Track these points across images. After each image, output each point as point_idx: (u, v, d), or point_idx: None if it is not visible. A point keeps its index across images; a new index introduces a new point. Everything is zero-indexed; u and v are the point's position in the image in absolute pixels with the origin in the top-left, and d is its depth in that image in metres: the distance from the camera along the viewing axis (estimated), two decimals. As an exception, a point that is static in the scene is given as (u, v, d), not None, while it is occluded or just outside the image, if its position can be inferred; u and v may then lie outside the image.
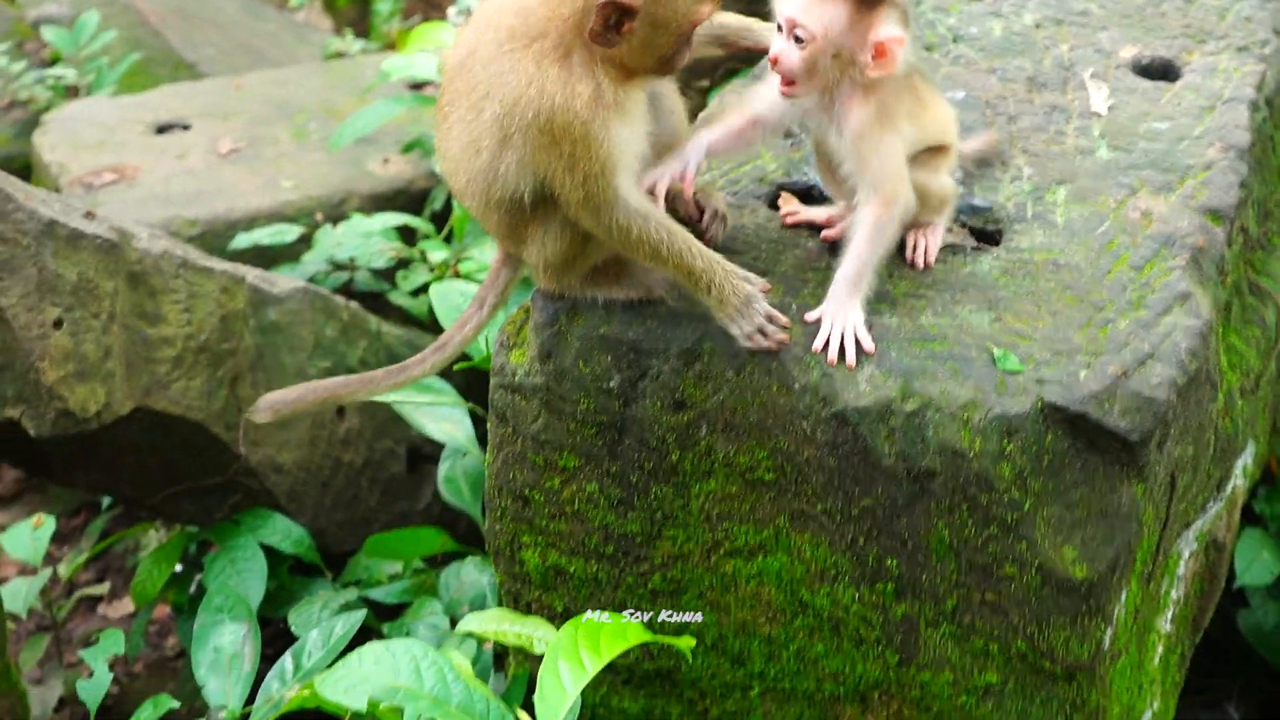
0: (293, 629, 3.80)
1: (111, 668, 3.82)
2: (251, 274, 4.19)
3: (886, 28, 2.90)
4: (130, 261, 3.85)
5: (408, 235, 4.82)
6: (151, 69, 6.83)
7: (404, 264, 4.72)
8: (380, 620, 3.80)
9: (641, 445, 3.08)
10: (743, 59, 5.05)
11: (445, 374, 4.29)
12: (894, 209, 2.99)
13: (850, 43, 2.91)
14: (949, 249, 3.20)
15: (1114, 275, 3.11)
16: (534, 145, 2.90)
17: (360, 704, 2.64)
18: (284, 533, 4.09)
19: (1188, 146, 3.49)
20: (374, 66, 5.95)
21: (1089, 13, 4.03)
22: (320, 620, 3.54)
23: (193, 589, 4.25)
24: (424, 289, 4.68)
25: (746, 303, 2.97)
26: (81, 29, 6.72)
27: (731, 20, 3.25)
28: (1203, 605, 3.49)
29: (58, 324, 3.67)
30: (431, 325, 4.58)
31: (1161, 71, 3.82)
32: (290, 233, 4.77)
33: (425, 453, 4.30)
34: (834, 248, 3.13)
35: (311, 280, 4.66)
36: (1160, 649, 3.28)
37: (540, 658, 2.69)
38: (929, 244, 3.16)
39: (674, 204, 3.11)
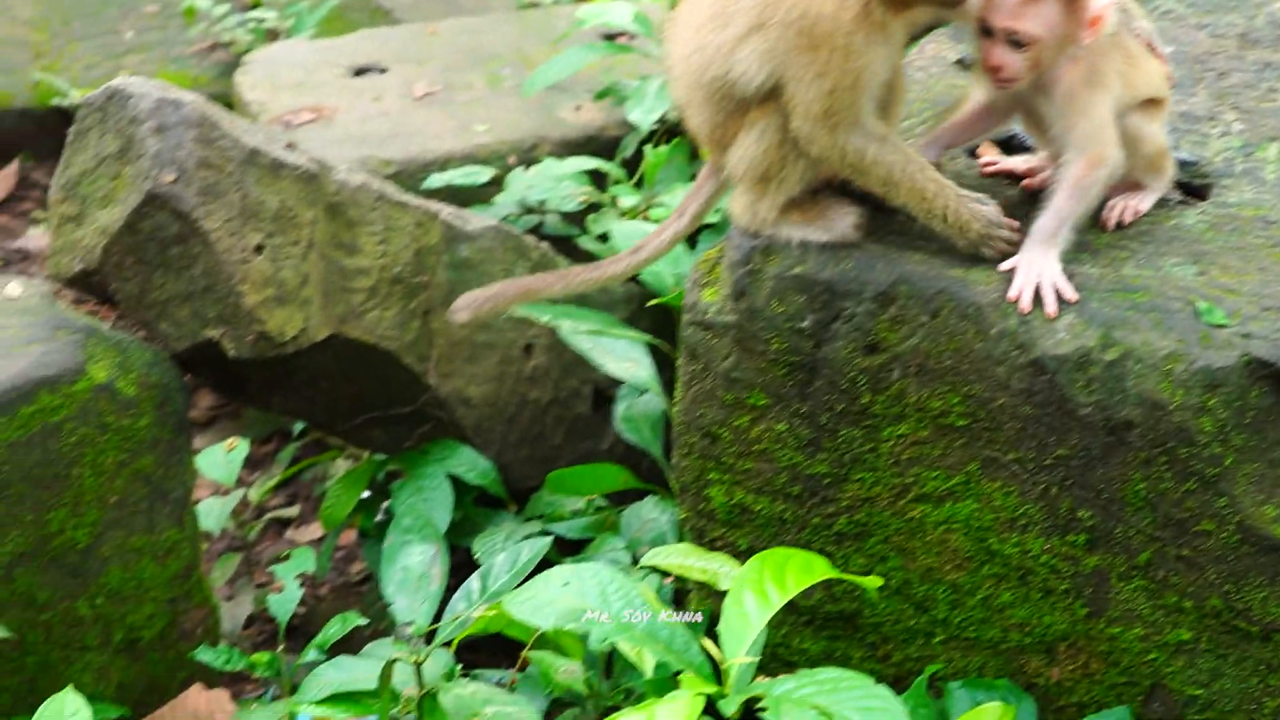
0: (477, 557, 3.86)
1: (300, 588, 3.92)
2: (445, 211, 4.24)
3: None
4: (329, 193, 3.93)
5: (599, 180, 4.85)
6: (349, 14, 6.93)
7: (594, 208, 4.74)
8: (562, 556, 3.84)
9: (832, 387, 3.07)
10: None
11: (636, 314, 4.32)
12: (1099, 170, 2.98)
13: (1069, 29, 2.90)
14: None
15: (1327, 233, 3.03)
16: (788, 42, 2.87)
17: (547, 624, 2.68)
18: (470, 464, 4.15)
19: None
20: (567, 17, 5.97)
21: (1307, -32, 3.92)
22: (505, 549, 3.58)
23: (380, 515, 4.34)
24: (613, 234, 4.69)
25: (988, 226, 2.95)
26: (283, -27, 6.88)
27: None
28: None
29: (259, 249, 3.76)
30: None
31: (1383, 29, 3.70)
32: (483, 174, 4.82)
33: (611, 394, 4.32)
34: (1034, 197, 3.10)
35: (504, 221, 4.71)
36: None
37: (723, 594, 2.70)
38: (1133, 207, 3.12)
39: None
